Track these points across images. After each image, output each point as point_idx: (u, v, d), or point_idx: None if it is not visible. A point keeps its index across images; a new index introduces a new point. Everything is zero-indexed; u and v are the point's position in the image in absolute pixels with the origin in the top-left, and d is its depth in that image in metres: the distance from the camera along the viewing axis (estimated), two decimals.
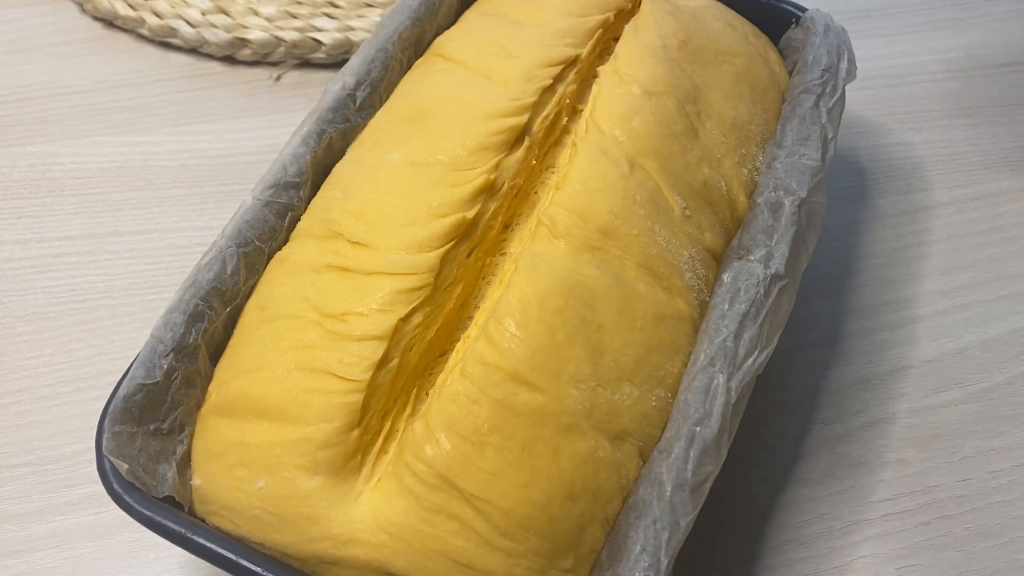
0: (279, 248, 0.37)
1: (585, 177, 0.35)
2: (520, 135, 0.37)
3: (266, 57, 0.58)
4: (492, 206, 0.35)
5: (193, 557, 0.38)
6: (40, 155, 0.53)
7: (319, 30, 0.58)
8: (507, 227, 0.36)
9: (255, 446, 0.32)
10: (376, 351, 0.32)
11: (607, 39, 0.41)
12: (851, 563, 0.39)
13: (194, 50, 0.59)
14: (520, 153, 0.36)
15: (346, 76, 0.41)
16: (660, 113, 0.38)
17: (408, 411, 0.32)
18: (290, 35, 0.57)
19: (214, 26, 0.58)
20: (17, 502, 0.41)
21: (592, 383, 0.32)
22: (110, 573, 0.39)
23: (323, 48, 0.58)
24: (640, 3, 0.42)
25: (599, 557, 0.32)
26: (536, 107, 0.37)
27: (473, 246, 0.35)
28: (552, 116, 0.38)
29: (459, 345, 0.34)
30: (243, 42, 0.58)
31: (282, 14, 0.59)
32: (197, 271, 0.35)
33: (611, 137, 0.36)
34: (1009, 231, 0.51)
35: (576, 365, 0.32)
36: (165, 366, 0.33)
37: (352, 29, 0.58)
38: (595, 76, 0.39)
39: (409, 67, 0.43)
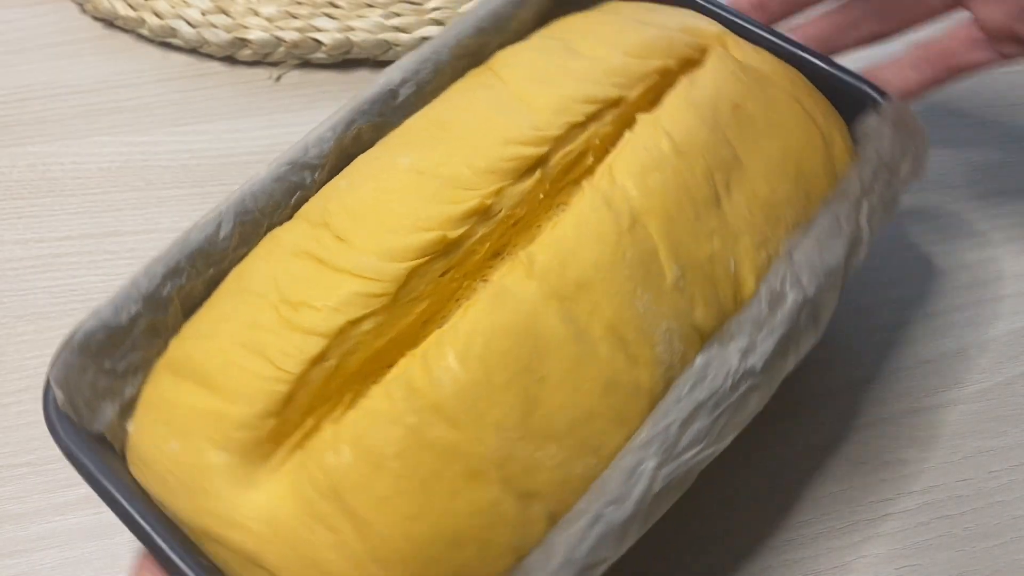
0: (279, 224, 0.37)
1: (579, 222, 0.34)
2: (533, 166, 0.35)
3: (266, 57, 0.58)
4: (481, 231, 0.34)
5: None
6: (40, 155, 0.53)
7: (319, 30, 0.58)
8: (498, 255, 0.35)
9: (182, 408, 0.32)
10: (315, 347, 0.31)
11: (664, 87, 0.39)
12: (851, 563, 0.39)
13: (194, 50, 0.59)
14: (528, 184, 0.35)
15: (393, 71, 0.41)
16: (683, 175, 0.36)
17: (337, 413, 0.32)
18: (290, 35, 0.57)
19: (214, 26, 0.58)
20: (17, 502, 0.41)
21: (515, 434, 0.31)
22: (110, 573, 0.39)
23: (323, 48, 0.58)
24: (707, 57, 0.40)
25: None
26: (559, 141, 0.36)
27: (451, 266, 0.34)
28: (576, 154, 0.36)
29: (404, 360, 0.33)
30: (243, 42, 0.58)
31: (282, 14, 0.59)
32: (191, 229, 0.35)
33: (621, 188, 0.35)
34: (1007, 231, 0.51)
35: (504, 412, 0.31)
36: (133, 311, 0.33)
37: (352, 29, 0.58)
38: (634, 123, 0.38)
39: (463, 75, 0.42)
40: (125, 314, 0.33)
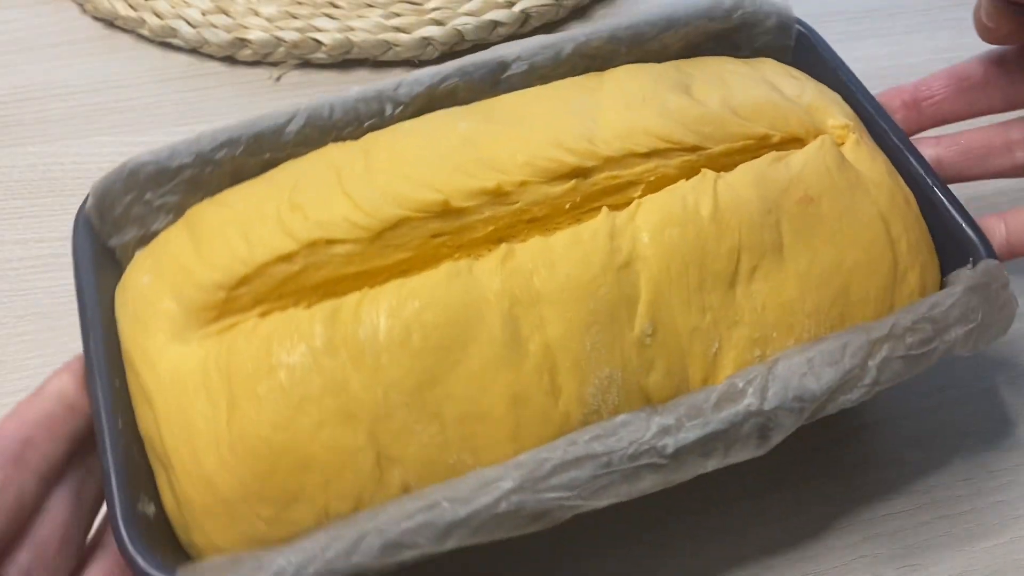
0: (343, 140, 0.39)
1: (574, 240, 0.34)
2: (569, 174, 0.35)
3: (266, 57, 0.58)
4: (489, 212, 0.35)
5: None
6: (40, 155, 0.53)
7: (319, 30, 0.58)
8: (503, 242, 0.35)
9: (171, 254, 0.36)
10: (286, 247, 0.34)
11: (753, 153, 0.37)
12: (851, 563, 0.39)
13: (194, 50, 0.59)
14: (558, 189, 0.35)
15: (512, 46, 0.42)
16: (706, 241, 0.34)
17: (285, 313, 0.34)
18: (290, 35, 0.57)
19: (214, 26, 0.58)
20: None
21: (403, 399, 0.32)
22: None
23: (323, 48, 0.58)
24: (812, 142, 0.38)
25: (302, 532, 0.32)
26: (610, 162, 0.36)
27: (444, 232, 0.35)
28: (624, 181, 0.36)
29: (355, 294, 0.34)
30: (243, 42, 0.58)
31: (282, 14, 0.59)
32: (265, 115, 0.39)
33: (635, 227, 0.34)
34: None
35: (403, 375, 0.32)
36: (184, 161, 0.37)
37: (352, 29, 0.58)
38: (695, 174, 0.36)
39: (581, 73, 0.42)
40: (177, 161, 0.37)
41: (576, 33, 0.42)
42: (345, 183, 0.35)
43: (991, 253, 0.36)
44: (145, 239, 0.38)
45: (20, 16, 0.61)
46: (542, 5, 0.60)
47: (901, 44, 0.61)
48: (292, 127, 0.39)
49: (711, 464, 0.32)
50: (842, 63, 0.43)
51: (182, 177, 0.38)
